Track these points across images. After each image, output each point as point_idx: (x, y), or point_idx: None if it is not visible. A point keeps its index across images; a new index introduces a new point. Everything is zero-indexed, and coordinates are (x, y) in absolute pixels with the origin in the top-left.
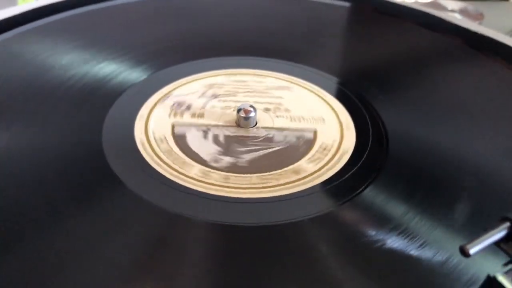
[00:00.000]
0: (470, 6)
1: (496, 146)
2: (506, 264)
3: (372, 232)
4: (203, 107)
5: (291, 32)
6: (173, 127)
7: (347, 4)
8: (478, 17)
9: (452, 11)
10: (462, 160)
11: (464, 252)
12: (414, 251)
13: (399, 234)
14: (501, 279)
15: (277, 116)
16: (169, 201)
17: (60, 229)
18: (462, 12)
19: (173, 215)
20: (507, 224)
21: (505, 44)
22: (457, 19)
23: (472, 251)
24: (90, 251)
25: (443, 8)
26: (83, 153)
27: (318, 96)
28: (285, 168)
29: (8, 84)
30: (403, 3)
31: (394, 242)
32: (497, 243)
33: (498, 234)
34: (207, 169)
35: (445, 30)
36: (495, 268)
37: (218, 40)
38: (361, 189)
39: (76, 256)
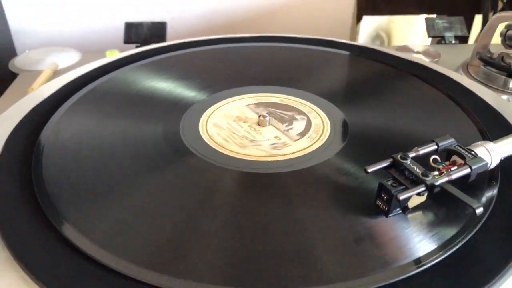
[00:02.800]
0: (431, 48)
1: (415, 128)
2: (388, 180)
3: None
4: (237, 114)
5: (295, 68)
6: (218, 123)
7: (337, 50)
8: (436, 55)
9: (417, 52)
10: (388, 129)
11: (365, 171)
12: (354, 182)
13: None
14: (385, 182)
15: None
16: (222, 162)
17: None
18: (424, 53)
19: (227, 170)
20: (390, 159)
21: (437, 71)
22: (412, 56)
23: (369, 170)
24: (179, 191)
25: (411, 50)
26: (169, 140)
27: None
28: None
29: (123, 97)
30: (377, 48)
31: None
32: (384, 168)
33: (384, 163)
34: (243, 147)
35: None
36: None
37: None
38: (342, 147)
39: (164, 194)
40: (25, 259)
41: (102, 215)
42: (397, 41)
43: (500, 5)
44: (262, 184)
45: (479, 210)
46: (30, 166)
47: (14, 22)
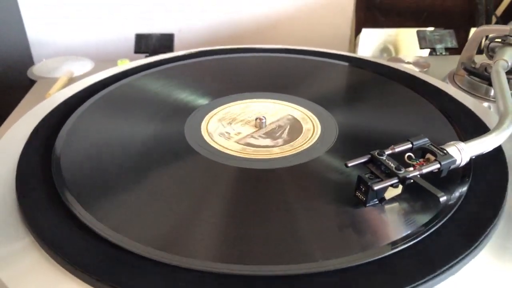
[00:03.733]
0: (421, 59)
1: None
2: (366, 173)
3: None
4: (235, 117)
5: (292, 76)
6: (219, 125)
7: (333, 61)
8: (425, 66)
9: (408, 62)
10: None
11: (346, 165)
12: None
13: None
14: (363, 175)
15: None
16: (222, 160)
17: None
18: (415, 63)
19: (228, 167)
20: (368, 155)
21: (424, 80)
22: (403, 66)
23: (349, 164)
24: (182, 184)
25: (402, 60)
26: (173, 139)
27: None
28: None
29: (134, 101)
30: (368, 58)
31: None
32: (363, 163)
33: (363, 159)
34: (243, 146)
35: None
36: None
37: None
38: (331, 145)
39: (174, 187)
40: (48, 243)
41: (116, 204)
42: (404, 53)
43: (494, 19)
44: (257, 179)
45: (443, 199)
46: (50, 161)
47: (32, 34)
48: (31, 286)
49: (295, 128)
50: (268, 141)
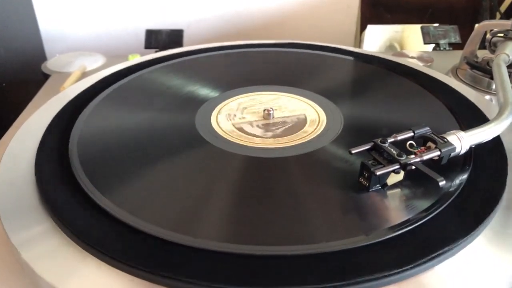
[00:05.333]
0: (425, 54)
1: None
2: (369, 160)
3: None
4: (244, 109)
5: (299, 70)
6: (228, 116)
7: (339, 55)
8: (429, 60)
9: (412, 57)
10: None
11: (350, 152)
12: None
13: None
14: (366, 162)
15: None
16: (229, 149)
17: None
18: (419, 58)
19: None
20: (371, 143)
21: (427, 74)
22: (408, 61)
23: (353, 151)
24: (195, 172)
25: (406, 55)
26: (184, 130)
27: (307, 103)
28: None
29: (146, 94)
30: (372, 53)
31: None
32: (366, 151)
33: (366, 146)
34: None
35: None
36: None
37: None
38: (336, 135)
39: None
40: (67, 226)
41: (132, 189)
42: (410, 49)
43: (497, 16)
44: (265, 166)
45: (442, 183)
46: (68, 152)
47: (45, 30)
48: (54, 265)
49: (295, 127)
50: (259, 132)
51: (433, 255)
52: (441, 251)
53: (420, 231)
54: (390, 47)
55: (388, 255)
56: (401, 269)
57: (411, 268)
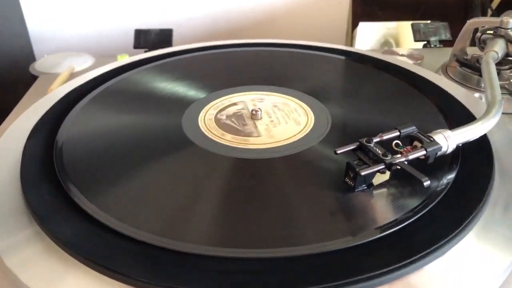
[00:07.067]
0: (415, 52)
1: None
2: (355, 160)
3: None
4: (231, 110)
5: (287, 70)
6: (215, 117)
7: (327, 54)
8: (419, 58)
9: (402, 55)
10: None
11: (335, 152)
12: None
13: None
14: (351, 162)
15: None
16: (217, 150)
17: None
18: (409, 55)
19: (225, 157)
20: (357, 143)
21: (416, 72)
22: (397, 59)
23: (338, 151)
24: (181, 175)
25: (396, 53)
26: (170, 130)
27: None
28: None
29: (134, 95)
30: (360, 51)
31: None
32: (352, 151)
33: (352, 146)
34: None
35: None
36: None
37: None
38: (323, 136)
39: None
40: (52, 232)
41: (118, 193)
42: (403, 46)
43: (489, 12)
44: (253, 167)
45: (427, 183)
46: (53, 154)
47: (33, 30)
48: (39, 272)
49: (283, 127)
50: (247, 132)
51: (422, 254)
52: (429, 250)
53: (408, 231)
54: (386, 44)
55: (375, 256)
56: (389, 269)
57: (399, 268)
